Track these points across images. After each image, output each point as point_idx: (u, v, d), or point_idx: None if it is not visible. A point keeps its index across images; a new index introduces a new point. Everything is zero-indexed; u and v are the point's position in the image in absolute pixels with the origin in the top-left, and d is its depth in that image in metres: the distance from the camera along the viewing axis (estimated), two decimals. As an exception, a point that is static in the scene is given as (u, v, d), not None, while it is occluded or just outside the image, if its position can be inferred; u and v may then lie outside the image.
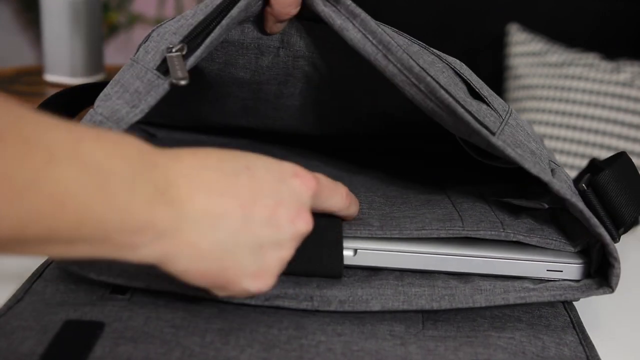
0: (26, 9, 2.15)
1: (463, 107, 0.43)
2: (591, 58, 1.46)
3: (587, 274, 0.46)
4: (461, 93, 0.44)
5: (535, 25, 1.59)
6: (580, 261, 0.46)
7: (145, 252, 0.33)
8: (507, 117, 0.46)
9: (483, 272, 0.46)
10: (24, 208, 0.28)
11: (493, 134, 0.43)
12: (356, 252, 0.45)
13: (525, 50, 1.55)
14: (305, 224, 0.38)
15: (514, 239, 0.45)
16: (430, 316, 0.45)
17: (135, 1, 1.79)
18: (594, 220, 0.43)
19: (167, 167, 0.34)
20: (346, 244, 0.45)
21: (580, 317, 0.47)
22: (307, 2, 0.46)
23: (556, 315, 0.47)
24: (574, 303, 0.49)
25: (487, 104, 0.45)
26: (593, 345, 0.44)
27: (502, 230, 0.45)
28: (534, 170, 0.43)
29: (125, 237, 0.32)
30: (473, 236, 0.45)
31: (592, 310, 0.49)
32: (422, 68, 0.43)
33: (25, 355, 0.38)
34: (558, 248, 0.45)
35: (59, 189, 0.29)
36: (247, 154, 0.38)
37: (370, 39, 0.44)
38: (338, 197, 0.42)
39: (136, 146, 0.33)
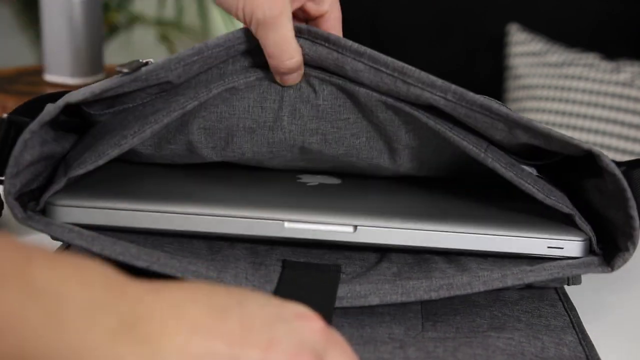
0: (26, 9, 2.15)
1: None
2: (591, 58, 1.46)
3: (588, 250, 0.46)
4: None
5: (535, 25, 1.59)
6: (582, 238, 0.46)
7: None
8: None
9: (482, 249, 0.46)
10: None
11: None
12: (356, 228, 0.46)
13: (525, 50, 1.55)
14: None
15: (490, 166, 0.45)
16: (429, 317, 0.45)
17: (135, 1, 1.79)
18: (633, 202, 0.42)
19: (138, 300, 0.30)
20: (345, 219, 0.45)
21: (580, 317, 0.47)
22: (314, 56, 0.46)
23: (556, 315, 0.47)
24: (574, 303, 0.48)
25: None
26: (593, 345, 0.44)
27: (483, 151, 0.45)
28: (585, 145, 0.43)
29: None
30: (458, 143, 0.45)
31: (592, 310, 0.49)
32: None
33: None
34: (538, 195, 0.45)
35: None
36: (242, 290, 0.34)
37: (384, 70, 0.45)
38: None
39: (101, 272, 0.30)
